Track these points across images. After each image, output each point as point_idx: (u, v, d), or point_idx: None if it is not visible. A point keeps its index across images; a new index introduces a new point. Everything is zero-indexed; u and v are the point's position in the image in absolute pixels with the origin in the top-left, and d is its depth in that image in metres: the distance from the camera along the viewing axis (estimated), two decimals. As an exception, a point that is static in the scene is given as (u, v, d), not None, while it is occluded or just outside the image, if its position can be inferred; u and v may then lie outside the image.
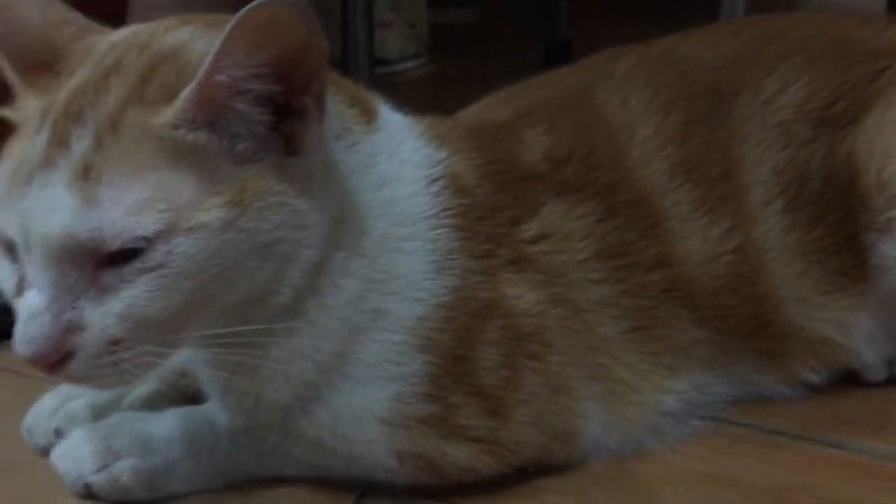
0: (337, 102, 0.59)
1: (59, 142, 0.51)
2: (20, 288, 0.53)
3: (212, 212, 0.51)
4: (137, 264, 0.50)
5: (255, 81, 0.51)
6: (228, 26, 0.49)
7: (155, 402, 0.69)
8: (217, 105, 0.51)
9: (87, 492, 0.63)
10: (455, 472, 0.60)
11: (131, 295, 0.51)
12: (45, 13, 0.59)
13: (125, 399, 0.70)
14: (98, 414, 0.68)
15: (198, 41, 0.55)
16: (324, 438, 0.60)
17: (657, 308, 0.65)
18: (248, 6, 0.48)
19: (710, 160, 0.67)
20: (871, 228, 0.67)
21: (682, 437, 0.67)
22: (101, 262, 0.50)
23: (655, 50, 0.73)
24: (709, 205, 0.66)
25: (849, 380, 0.72)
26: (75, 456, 0.63)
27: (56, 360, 0.51)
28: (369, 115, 0.62)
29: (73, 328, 0.50)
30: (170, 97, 0.52)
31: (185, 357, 0.62)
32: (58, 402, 0.70)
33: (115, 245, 0.50)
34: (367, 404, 0.59)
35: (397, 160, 0.62)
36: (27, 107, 0.56)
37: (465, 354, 0.59)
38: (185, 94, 0.51)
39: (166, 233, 0.50)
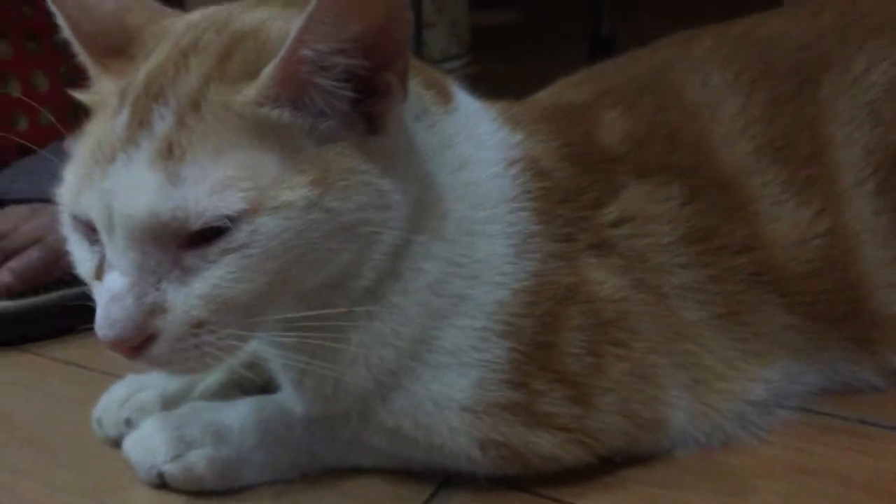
0: (415, 83, 0.58)
1: (141, 121, 0.50)
2: (99, 271, 0.52)
3: (296, 191, 0.50)
4: (221, 245, 0.49)
5: (341, 56, 0.50)
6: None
7: (225, 392, 0.68)
8: (301, 81, 0.50)
9: (160, 481, 0.62)
10: (539, 462, 0.58)
11: (215, 276, 0.49)
12: (118, -3, 0.58)
13: (195, 389, 0.69)
14: (168, 404, 0.68)
15: (276, 20, 0.54)
16: (404, 427, 0.58)
17: (744, 293, 0.62)
18: (336, -21, 0.47)
19: (798, 140, 0.64)
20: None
21: (771, 427, 0.64)
22: (184, 242, 0.49)
23: (734, 30, 0.71)
24: (797, 186, 0.63)
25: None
26: (148, 445, 0.62)
27: (138, 344, 0.49)
28: (446, 97, 0.61)
29: (156, 310, 0.49)
30: (251, 75, 0.51)
31: (254, 346, 0.61)
32: (128, 392, 0.69)
33: (199, 224, 0.48)
34: (449, 391, 0.57)
35: (475, 142, 0.60)
36: (103, 89, 0.55)
37: (548, 340, 0.58)
38: (269, 70, 0.50)
39: (250, 212, 0.49)
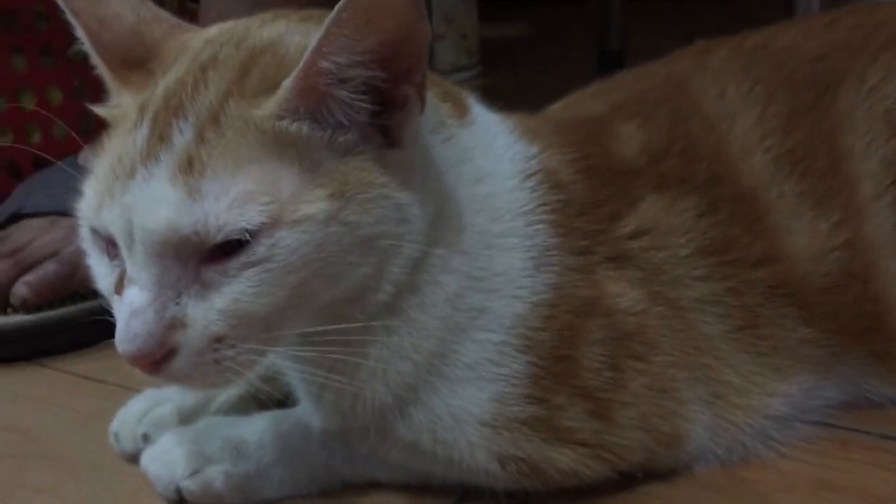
0: (431, 96, 0.58)
1: (161, 136, 0.51)
2: (119, 286, 0.52)
3: (315, 204, 0.50)
4: (241, 259, 0.49)
5: (359, 68, 0.50)
6: (334, 10, 0.48)
7: (243, 406, 0.68)
8: (319, 94, 0.50)
9: (178, 497, 0.62)
10: (559, 477, 0.58)
11: (235, 290, 0.49)
12: (138, 11, 0.59)
13: (213, 403, 0.69)
14: (185, 418, 0.68)
15: (294, 34, 0.55)
16: (422, 441, 0.58)
17: (763, 306, 0.62)
18: (355, -10, 0.47)
19: (815, 151, 0.64)
20: None
21: (790, 441, 0.63)
22: (204, 257, 0.49)
23: (750, 41, 0.71)
24: (816, 198, 0.63)
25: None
26: (167, 460, 0.62)
27: (158, 359, 0.49)
28: (462, 110, 0.61)
29: (176, 325, 0.49)
30: (270, 89, 0.51)
31: (272, 360, 0.61)
32: (145, 406, 0.69)
33: (219, 238, 0.48)
34: (467, 406, 0.57)
35: (492, 155, 0.60)
36: (123, 103, 0.55)
37: (567, 354, 0.57)
38: (288, 82, 0.50)
39: (270, 226, 0.49)
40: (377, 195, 0.52)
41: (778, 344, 0.63)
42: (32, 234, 0.93)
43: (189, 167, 0.49)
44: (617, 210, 0.62)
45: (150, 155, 0.50)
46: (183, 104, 0.51)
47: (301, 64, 0.49)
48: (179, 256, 0.49)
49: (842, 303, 0.63)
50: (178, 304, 0.49)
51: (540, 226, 0.59)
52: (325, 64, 0.49)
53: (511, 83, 1.98)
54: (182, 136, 0.50)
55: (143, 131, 0.51)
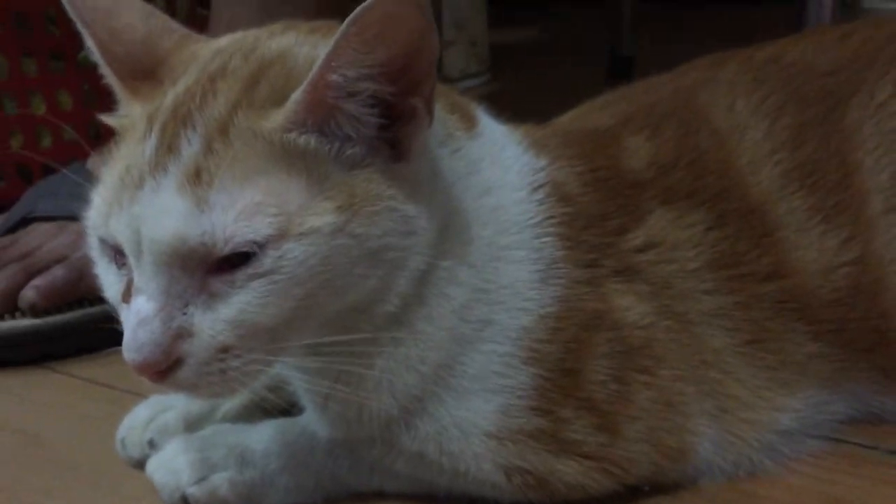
0: (439, 108, 0.58)
1: (169, 146, 0.51)
2: (126, 295, 0.52)
3: (323, 217, 0.50)
4: (248, 270, 0.49)
5: (368, 81, 0.50)
6: (344, 24, 0.48)
7: (248, 414, 0.68)
8: (328, 106, 0.50)
9: (184, 504, 0.62)
10: (564, 489, 0.58)
11: (242, 301, 0.49)
12: (148, 22, 0.59)
13: (219, 410, 0.69)
14: (191, 425, 0.68)
15: (303, 45, 0.55)
16: (428, 452, 0.58)
17: (771, 320, 0.62)
18: (364, 3, 0.47)
19: (825, 166, 0.64)
20: None
21: (798, 457, 0.63)
22: (211, 268, 0.49)
23: (761, 55, 0.70)
24: (825, 213, 0.63)
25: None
26: (172, 467, 0.62)
27: (165, 368, 0.50)
28: (470, 121, 0.61)
29: (183, 335, 0.49)
30: (279, 101, 0.51)
31: (278, 370, 0.61)
32: (151, 413, 0.69)
33: (226, 250, 0.49)
34: (473, 418, 0.57)
35: (500, 167, 0.60)
36: (132, 113, 0.56)
37: (574, 367, 0.57)
38: (297, 95, 0.50)
39: (277, 238, 0.49)
40: (384, 208, 0.52)
41: (786, 359, 0.62)
42: (41, 239, 0.93)
43: (197, 178, 0.49)
44: (625, 223, 0.61)
45: (158, 165, 0.50)
46: (191, 114, 0.51)
47: (310, 77, 0.49)
48: (187, 267, 0.49)
49: (850, 318, 0.63)
50: (185, 314, 0.50)
51: (547, 238, 0.59)
52: (333, 77, 0.49)
53: (521, 89, 1.98)
54: (190, 147, 0.50)
55: (152, 141, 0.52)
